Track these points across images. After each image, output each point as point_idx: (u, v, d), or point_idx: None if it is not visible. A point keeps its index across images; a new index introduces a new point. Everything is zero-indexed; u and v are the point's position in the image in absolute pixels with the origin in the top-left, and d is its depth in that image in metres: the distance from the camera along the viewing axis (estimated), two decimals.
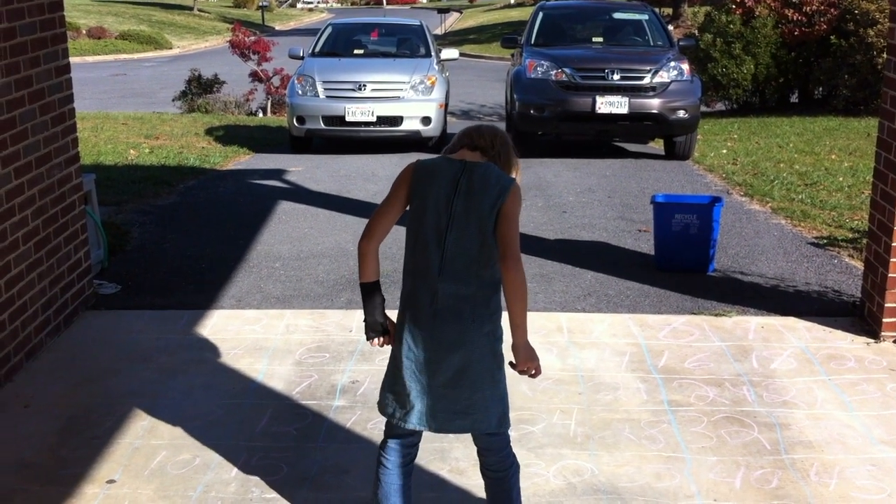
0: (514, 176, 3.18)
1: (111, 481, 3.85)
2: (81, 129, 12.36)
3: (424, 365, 3.09)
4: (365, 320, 3.23)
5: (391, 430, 3.26)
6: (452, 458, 4.00)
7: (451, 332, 3.06)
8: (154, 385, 4.74)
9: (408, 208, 3.16)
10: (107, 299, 5.97)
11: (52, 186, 5.28)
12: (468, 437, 4.13)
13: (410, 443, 3.29)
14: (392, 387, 3.18)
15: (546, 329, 5.44)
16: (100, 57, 32.99)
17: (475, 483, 3.79)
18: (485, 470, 3.31)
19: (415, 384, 3.11)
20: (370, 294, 3.21)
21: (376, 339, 3.24)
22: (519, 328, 3.08)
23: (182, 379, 4.82)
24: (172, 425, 4.31)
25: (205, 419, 4.37)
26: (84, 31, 35.70)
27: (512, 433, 4.15)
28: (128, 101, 20.96)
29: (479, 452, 3.30)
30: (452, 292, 3.05)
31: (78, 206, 5.66)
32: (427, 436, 4.14)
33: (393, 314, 3.20)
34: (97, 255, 6.37)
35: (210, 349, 5.19)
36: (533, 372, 3.14)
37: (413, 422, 3.15)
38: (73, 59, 6.07)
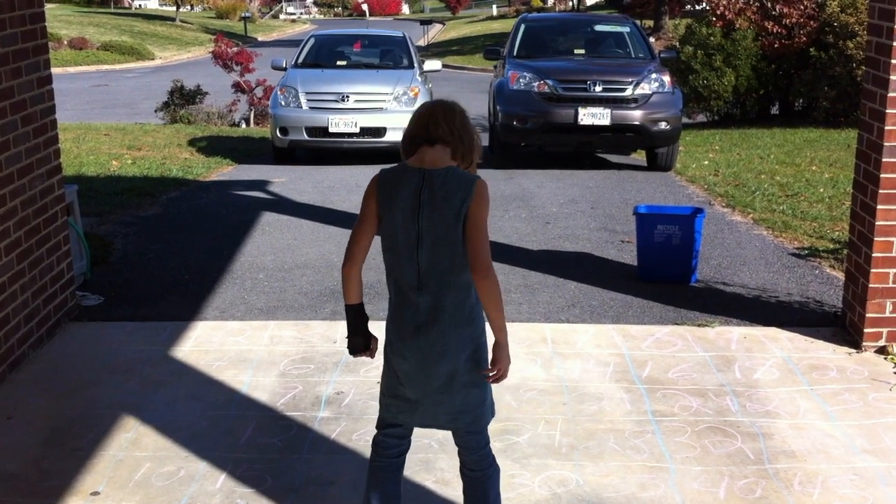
0: (474, 144, 3.17)
1: (95, 493, 3.83)
2: (63, 140, 12.31)
3: (417, 375, 3.13)
4: (349, 338, 3.27)
5: (384, 424, 3.30)
6: (437, 468, 4.00)
7: (436, 343, 3.08)
8: (137, 397, 4.72)
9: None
10: (89, 311, 5.95)
11: (34, 198, 5.26)
12: (452, 448, 4.14)
13: (401, 434, 3.32)
14: (394, 393, 3.22)
15: (530, 340, 5.45)
16: (81, 68, 32.89)
17: (461, 494, 3.79)
18: (463, 469, 3.32)
19: (413, 391, 3.16)
20: (354, 315, 3.25)
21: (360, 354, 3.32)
22: (501, 330, 3.12)
23: (166, 390, 4.80)
24: (156, 437, 4.29)
25: (189, 431, 4.35)
26: (66, 42, 35.59)
27: (497, 443, 4.16)
28: (110, 111, 20.89)
29: (459, 452, 3.31)
30: (432, 305, 3.07)
31: (60, 217, 5.64)
32: (412, 447, 4.17)
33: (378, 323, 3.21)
34: (80, 267, 6.34)
35: (193, 361, 5.17)
36: (499, 376, 3.16)
37: (419, 422, 3.23)
38: (54, 70, 6.06)
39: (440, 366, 3.08)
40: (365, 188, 3.18)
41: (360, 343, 3.26)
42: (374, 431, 4.30)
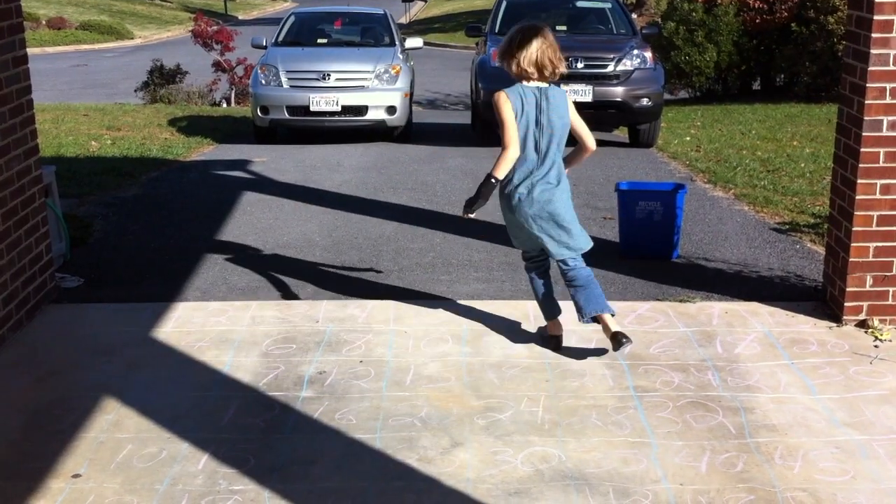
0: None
1: (77, 475, 3.81)
2: (42, 121, 12.22)
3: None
4: (479, 200, 4.83)
5: (526, 256, 5.10)
6: (420, 446, 4.00)
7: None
8: (118, 378, 4.69)
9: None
10: (69, 293, 5.91)
11: (10, 179, 5.20)
12: (435, 426, 4.16)
13: (539, 253, 4.99)
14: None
15: (513, 317, 5.45)
16: (60, 48, 32.59)
17: (443, 471, 3.81)
18: (564, 277, 4.89)
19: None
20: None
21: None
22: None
23: (147, 372, 4.78)
24: (138, 418, 4.27)
25: (171, 412, 4.34)
26: (44, 22, 35.25)
27: (480, 421, 4.18)
28: (89, 92, 20.73)
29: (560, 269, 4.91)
30: None
31: (38, 198, 5.59)
32: (394, 426, 4.18)
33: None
34: (59, 249, 6.30)
35: (175, 342, 5.15)
36: None
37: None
38: (32, 50, 5.99)
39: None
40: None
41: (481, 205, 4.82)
42: (357, 410, 4.34)
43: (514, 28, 4.73)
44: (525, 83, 4.65)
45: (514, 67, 4.63)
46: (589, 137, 4.84)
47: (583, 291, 4.75)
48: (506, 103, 4.61)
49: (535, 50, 4.57)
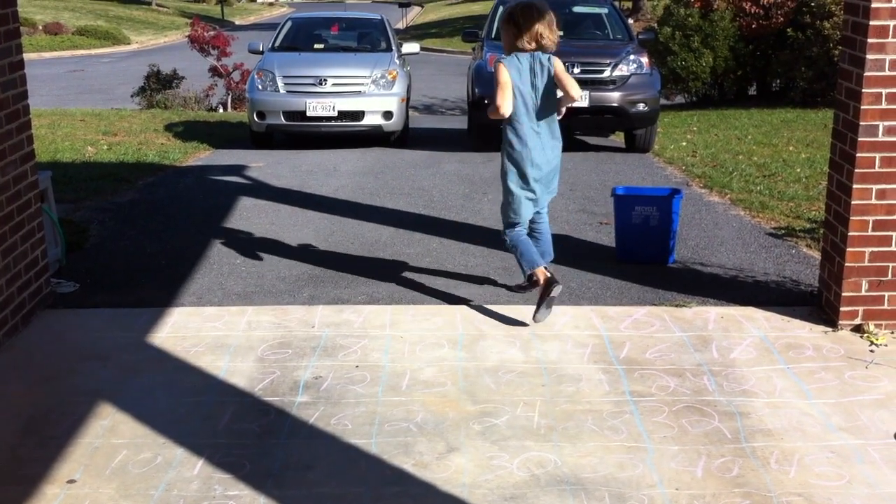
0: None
1: (71, 481, 3.80)
2: (38, 126, 12.22)
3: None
4: None
5: (523, 225, 5.44)
6: (416, 451, 4.00)
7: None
8: (114, 384, 4.69)
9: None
10: (65, 298, 5.90)
11: (7, 184, 5.20)
12: (431, 431, 4.16)
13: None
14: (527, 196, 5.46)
15: (509, 322, 5.45)
16: (56, 53, 32.62)
17: (439, 476, 3.80)
18: (535, 228, 5.60)
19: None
20: None
21: None
22: None
23: (142, 377, 4.77)
24: (133, 424, 4.27)
25: (166, 417, 4.33)
26: (40, 27, 35.28)
27: (475, 426, 4.18)
28: (85, 97, 20.72)
29: (533, 224, 5.58)
30: None
31: (34, 203, 5.59)
32: (390, 431, 4.17)
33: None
34: (54, 254, 6.29)
35: (170, 347, 5.14)
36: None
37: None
38: (29, 56, 5.99)
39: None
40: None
41: None
42: (353, 415, 4.33)
43: (513, 4, 5.31)
44: (521, 53, 5.26)
45: (514, 40, 5.25)
46: (574, 87, 5.30)
47: (542, 244, 5.57)
48: (505, 73, 5.21)
49: (535, 27, 5.20)
